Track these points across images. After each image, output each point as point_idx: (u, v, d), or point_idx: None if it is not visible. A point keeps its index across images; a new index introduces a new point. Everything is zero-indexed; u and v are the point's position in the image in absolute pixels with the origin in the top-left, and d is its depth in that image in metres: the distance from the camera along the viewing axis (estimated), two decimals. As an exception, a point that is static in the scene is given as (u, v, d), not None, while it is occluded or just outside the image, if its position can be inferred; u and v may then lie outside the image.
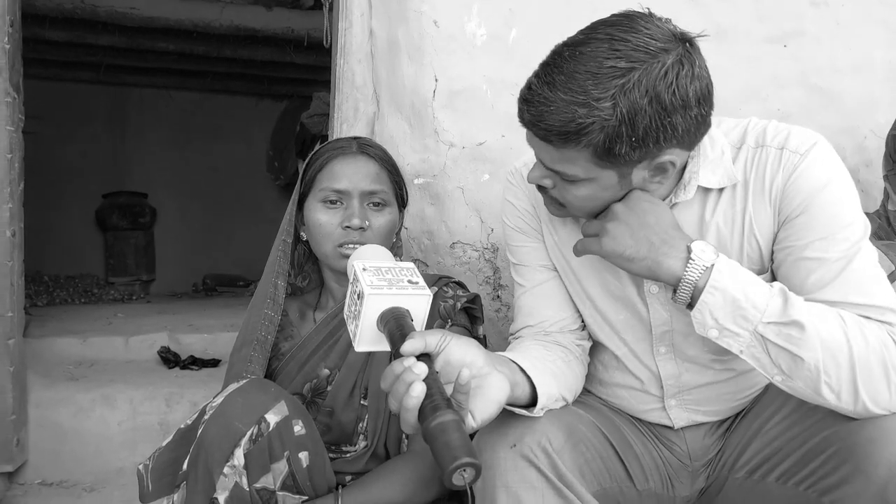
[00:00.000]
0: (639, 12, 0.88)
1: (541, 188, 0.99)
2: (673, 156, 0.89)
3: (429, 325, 1.20)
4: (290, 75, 5.05)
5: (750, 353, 0.87)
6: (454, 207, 1.64)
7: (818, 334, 0.83)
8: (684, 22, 1.65)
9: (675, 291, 0.89)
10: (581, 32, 0.88)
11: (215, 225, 5.78)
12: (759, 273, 0.98)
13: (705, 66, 0.87)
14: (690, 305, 0.89)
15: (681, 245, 0.89)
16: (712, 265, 0.87)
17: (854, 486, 0.83)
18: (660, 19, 0.87)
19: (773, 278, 0.99)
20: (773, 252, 0.98)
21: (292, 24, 4.23)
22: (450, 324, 1.22)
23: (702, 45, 1.81)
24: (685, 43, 0.86)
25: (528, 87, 0.88)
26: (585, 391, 1.16)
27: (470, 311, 1.27)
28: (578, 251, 0.98)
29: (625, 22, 0.86)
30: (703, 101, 0.86)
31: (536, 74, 0.88)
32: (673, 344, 1.06)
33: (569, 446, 0.94)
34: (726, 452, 1.07)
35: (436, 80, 1.63)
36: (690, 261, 0.87)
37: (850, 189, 0.94)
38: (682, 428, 1.11)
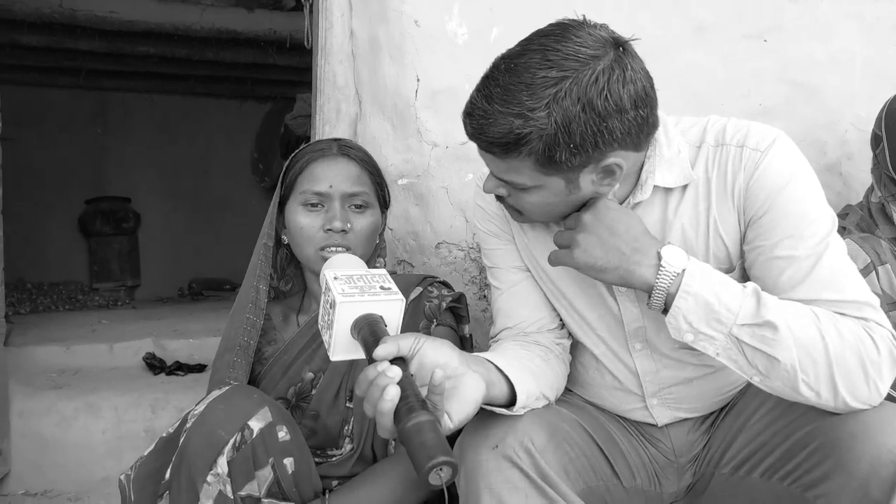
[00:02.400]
0: (574, 20, 0.89)
1: (499, 197, 1.00)
2: (618, 158, 0.90)
3: (414, 325, 1.20)
4: (274, 77, 5.02)
5: (726, 355, 0.87)
6: (439, 207, 1.63)
7: (792, 334, 0.84)
8: (663, 20, 1.68)
9: (649, 297, 0.90)
10: (519, 44, 0.89)
11: (200, 228, 5.74)
12: (728, 272, 0.99)
13: (641, 68, 0.88)
14: (665, 311, 0.89)
15: (651, 252, 0.89)
16: (683, 270, 0.87)
17: (837, 481, 0.84)
18: (594, 26, 0.88)
19: (745, 277, 1.00)
20: (742, 252, 0.98)
21: (274, 25, 4.20)
22: (435, 324, 1.22)
23: (682, 42, 1.81)
24: (618, 48, 0.86)
25: (470, 100, 0.90)
26: (569, 392, 1.16)
27: (455, 310, 1.27)
28: (552, 263, 0.98)
29: (558, 31, 0.87)
30: (641, 104, 0.87)
31: (477, 88, 0.89)
32: (647, 340, 1.07)
33: (552, 445, 0.94)
34: (712, 448, 1.08)
35: (417, 80, 1.62)
36: (661, 267, 0.88)
37: (813, 184, 0.94)
38: (666, 425, 1.11)
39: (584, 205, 0.96)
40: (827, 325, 0.85)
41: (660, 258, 0.88)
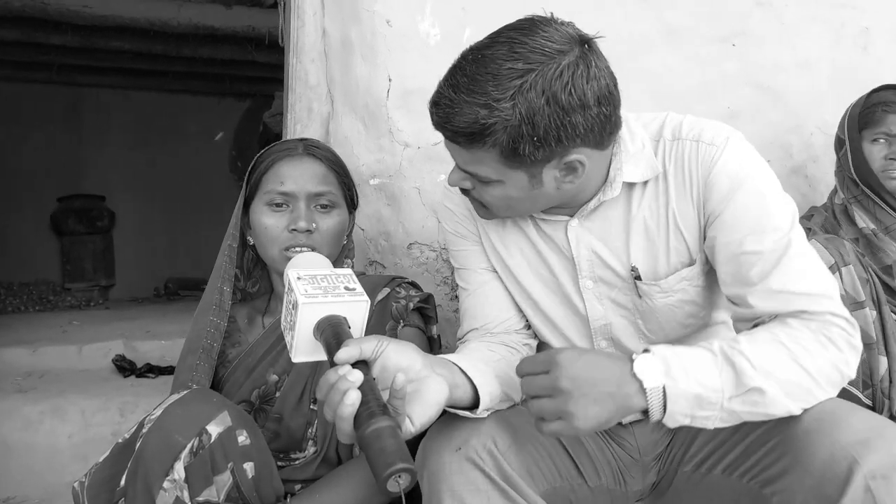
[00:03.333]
0: (541, 17, 0.90)
1: (464, 191, 1.00)
2: (581, 155, 0.91)
3: (382, 326, 1.19)
4: (252, 74, 4.98)
5: (725, 422, 0.88)
6: (411, 208, 1.62)
7: (779, 385, 0.86)
8: (635, 21, 1.69)
9: (644, 413, 0.88)
10: (487, 37, 0.90)
11: (177, 227, 5.67)
12: (688, 265, 1.00)
13: (605, 66, 0.89)
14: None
15: (628, 376, 0.85)
16: (662, 384, 0.85)
17: (793, 478, 0.86)
18: (560, 23, 0.89)
19: (706, 271, 1.02)
20: (701, 246, 1.00)
21: (253, 22, 4.16)
22: (402, 324, 1.21)
23: (654, 44, 1.83)
24: (583, 45, 0.88)
25: (437, 90, 0.90)
26: None
27: (423, 311, 1.26)
28: (548, 434, 0.88)
29: (526, 25, 0.88)
30: (604, 101, 0.88)
31: (444, 78, 0.90)
32: (612, 337, 1.07)
33: (516, 447, 0.94)
34: (675, 446, 1.09)
35: (389, 80, 1.61)
36: (646, 391, 0.85)
37: (770, 178, 0.96)
38: (630, 423, 1.12)
39: (546, 361, 0.87)
40: (797, 350, 0.87)
41: (638, 380, 0.85)
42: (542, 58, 0.85)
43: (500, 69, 0.85)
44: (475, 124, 0.86)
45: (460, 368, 0.91)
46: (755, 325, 0.97)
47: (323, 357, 0.79)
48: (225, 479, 0.96)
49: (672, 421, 0.87)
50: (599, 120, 0.88)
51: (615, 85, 0.90)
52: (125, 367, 2.39)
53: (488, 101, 0.85)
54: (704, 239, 0.99)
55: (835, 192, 1.64)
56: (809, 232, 1.56)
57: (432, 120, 0.92)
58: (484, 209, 1.01)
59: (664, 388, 0.84)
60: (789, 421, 0.89)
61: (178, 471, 0.92)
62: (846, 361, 0.89)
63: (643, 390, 0.85)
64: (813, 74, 1.77)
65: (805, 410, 0.89)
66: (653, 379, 0.85)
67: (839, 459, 0.81)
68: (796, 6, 1.75)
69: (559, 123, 0.86)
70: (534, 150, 0.87)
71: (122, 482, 0.95)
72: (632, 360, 0.85)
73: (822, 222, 1.63)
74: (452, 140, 0.91)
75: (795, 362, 0.87)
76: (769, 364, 0.86)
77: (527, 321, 1.14)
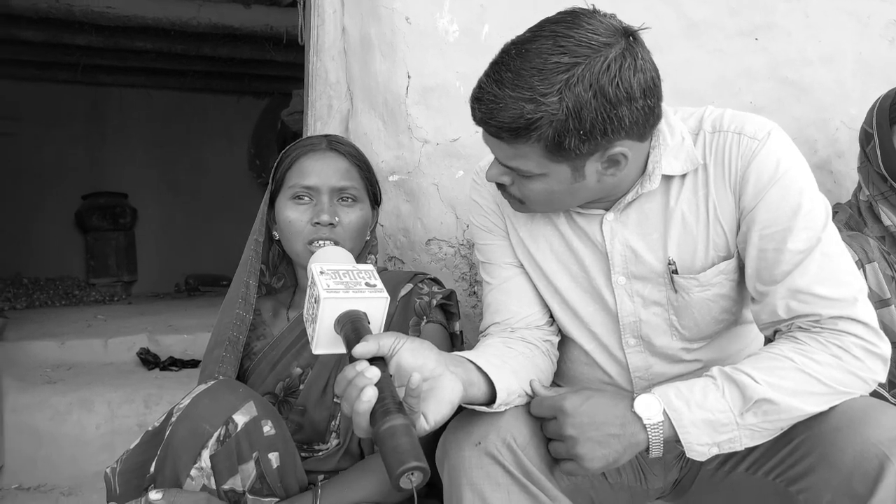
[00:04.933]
0: (584, 9, 0.90)
1: (500, 186, 1.00)
2: (624, 148, 0.91)
3: (404, 321, 1.20)
4: (271, 73, 5.02)
5: (755, 439, 0.89)
6: (429, 204, 1.63)
7: (790, 395, 0.86)
8: (655, 15, 1.68)
9: (646, 450, 0.90)
10: (528, 31, 0.89)
11: (197, 224, 5.75)
12: (726, 258, 1.00)
13: (649, 58, 0.89)
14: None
15: (630, 415, 0.89)
16: (662, 418, 0.87)
17: (820, 475, 0.85)
18: (604, 15, 0.89)
19: (741, 265, 1.01)
20: (737, 241, 0.99)
21: (271, 21, 4.20)
22: (425, 320, 1.22)
23: (674, 38, 1.81)
24: (628, 37, 0.87)
25: (479, 85, 0.90)
26: (557, 388, 1.16)
27: (446, 307, 1.27)
28: (564, 474, 0.95)
29: (569, 18, 0.87)
30: (649, 93, 0.88)
31: (486, 73, 0.90)
32: (641, 335, 1.07)
33: (535, 442, 0.94)
34: (697, 444, 1.08)
35: (408, 77, 1.62)
36: (646, 428, 0.88)
37: (807, 176, 0.95)
38: None
39: (552, 407, 0.93)
40: (803, 360, 0.88)
41: (639, 418, 0.88)
42: (588, 51, 0.84)
43: (545, 63, 0.84)
44: (521, 119, 0.85)
45: (476, 365, 0.92)
46: (767, 337, 0.99)
47: (342, 350, 0.80)
48: (250, 469, 0.97)
49: (696, 453, 0.88)
50: (644, 112, 0.88)
51: (658, 77, 0.90)
52: (149, 361, 2.44)
53: (534, 95, 0.84)
54: (738, 231, 0.99)
55: (859, 188, 1.61)
56: (833, 229, 1.54)
57: (474, 116, 0.91)
58: (521, 204, 1.01)
59: (670, 421, 0.87)
60: (816, 418, 0.88)
61: (205, 459, 0.94)
62: (867, 368, 0.88)
63: (644, 428, 0.87)
64: (838, 68, 1.74)
65: (832, 407, 0.88)
66: (653, 415, 0.87)
67: (869, 456, 0.80)
68: (821, -1, 1.72)
69: (606, 117, 0.85)
70: (579, 144, 0.87)
71: (152, 469, 0.98)
72: (633, 399, 0.89)
73: (846, 219, 1.60)
74: (495, 136, 0.90)
75: (802, 372, 0.87)
76: (773, 377, 0.87)
77: (549, 318, 1.14)
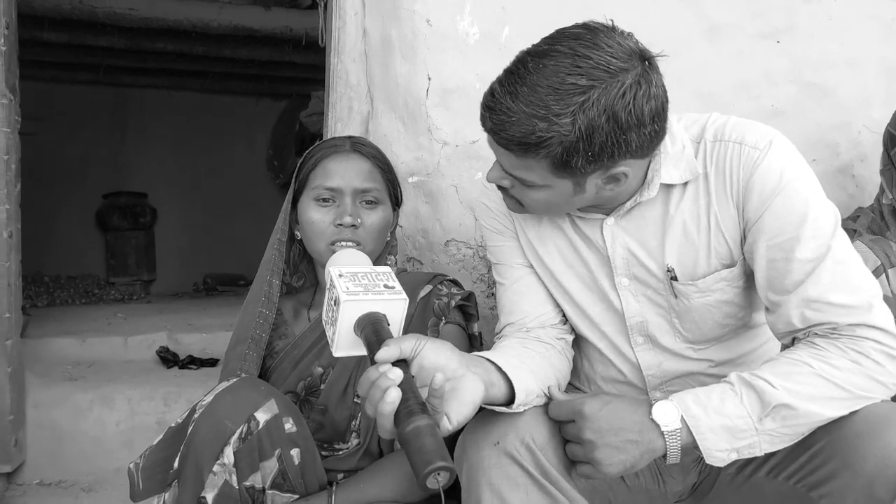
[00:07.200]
0: (602, 25, 0.89)
1: (500, 187, 1.01)
2: (626, 167, 0.92)
3: (424, 323, 1.21)
4: (290, 74, 5.05)
5: (774, 444, 0.89)
6: (448, 205, 1.64)
7: (808, 400, 0.86)
8: (675, 18, 1.67)
9: (663, 457, 0.90)
10: (545, 42, 0.89)
11: (216, 224, 5.79)
12: (729, 266, 0.99)
13: (661, 83, 0.90)
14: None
15: (648, 422, 0.89)
16: (681, 424, 0.88)
17: (842, 481, 0.85)
18: (622, 34, 0.88)
19: (746, 274, 1.01)
20: (743, 252, 0.99)
21: (290, 23, 4.23)
22: (444, 321, 1.23)
23: (694, 41, 1.80)
24: (644, 62, 0.87)
25: (492, 93, 0.89)
26: (574, 388, 1.16)
27: (464, 308, 1.28)
28: (581, 477, 0.96)
29: (587, 36, 0.87)
30: (657, 118, 0.89)
31: (500, 82, 0.89)
32: (648, 334, 1.07)
33: (554, 442, 0.94)
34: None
35: (429, 79, 1.63)
36: (666, 435, 0.88)
37: (812, 184, 0.94)
38: None
39: (571, 410, 0.93)
40: (821, 366, 0.88)
41: (657, 425, 0.89)
42: (604, 75, 0.84)
43: (562, 83, 0.84)
44: (532, 136, 0.86)
45: (496, 366, 0.93)
46: (785, 344, 0.98)
47: (363, 352, 0.81)
48: (271, 466, 0.98)
49: (716, 459, 0.88)
50: (650, 136, 0.89)
51: (667, 99, 0.91)
52: (168, 359, 2.46)
53: (548, 114, 0.84)
54: (744, 241, 0.99)
55: (882, 192, 1.60)
56: (855, 234, 1.52)
57: (483, 124, 0.91)
58: (519, 206, 1.02)
59: (688, 427, 0.87)
60: (837, 423, 0.88)
61: (228, 455, 0.96)
62: (887, 373, 0.88)
63: (662, 435, 0.88)
64: (861, 71, 1.72)
65: (854, 412, 0.88)
66: (670, 422, 0.88)
67: (892, 462, 0.80)
68: (845, 1, 1.70)
69: (615, 141, 0.86)
70: (585, 164, 0.88)
71: (176, 464, 0.99)
72: (651, 405, 0.89)
73: (868, 223, 1.58)
74: (504, 146, 0.91)
75: (820, 377, 0.87)
76: (791, 382, 0.87)
77: (562, 316, 1.14)
